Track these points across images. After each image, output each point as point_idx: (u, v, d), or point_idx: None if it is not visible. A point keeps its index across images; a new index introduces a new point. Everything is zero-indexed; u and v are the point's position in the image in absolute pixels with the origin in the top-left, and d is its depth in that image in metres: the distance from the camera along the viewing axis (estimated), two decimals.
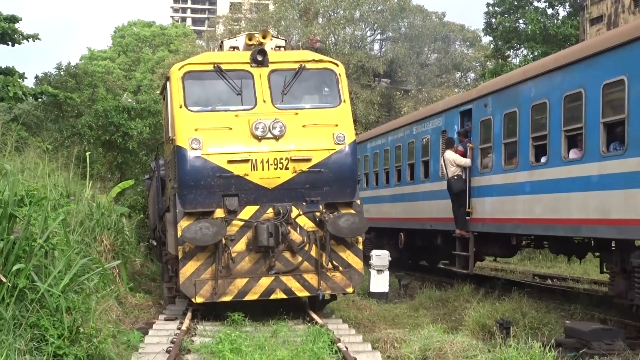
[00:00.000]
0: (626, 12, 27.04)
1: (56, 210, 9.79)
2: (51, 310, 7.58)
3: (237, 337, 8.80)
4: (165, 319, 11.26)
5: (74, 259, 8.81)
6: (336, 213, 11.05)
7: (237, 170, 10.80)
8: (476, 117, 15.09)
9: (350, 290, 11.24)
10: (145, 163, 23.92)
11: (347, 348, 8.73)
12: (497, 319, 10.38)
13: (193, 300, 10.75)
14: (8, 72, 21.78)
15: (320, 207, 11.08)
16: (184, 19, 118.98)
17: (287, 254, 10.93)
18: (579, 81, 11.42)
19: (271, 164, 10.86)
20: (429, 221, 17.49)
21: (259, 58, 11.37)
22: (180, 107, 11.12)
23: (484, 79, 30.06)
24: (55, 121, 24.73)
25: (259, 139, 10.89)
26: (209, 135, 10.85)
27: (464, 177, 15.05)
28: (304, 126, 11.11)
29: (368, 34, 43.60)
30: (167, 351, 8.66)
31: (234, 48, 12.02)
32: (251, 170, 10.82)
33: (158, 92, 22.48)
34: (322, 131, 11.15)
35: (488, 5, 35.68)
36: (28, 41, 21.75)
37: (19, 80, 21.33)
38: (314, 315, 10.86)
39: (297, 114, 11.21)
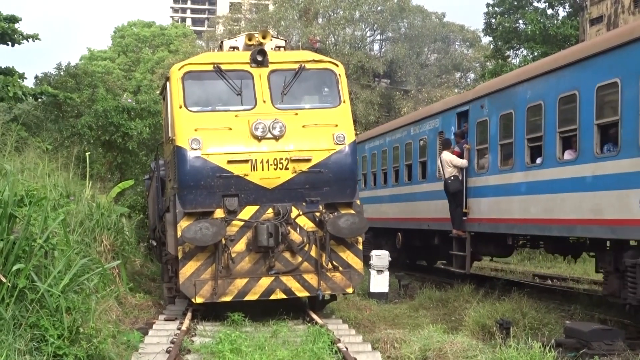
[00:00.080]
0: (626, 12, 27.04)
1: (56, 211, 9.79)
2: (51, 310, 7.58)
3: (237, 338, 8.80)
4: (165, 319, 11.26)
5: (74, 259, 8.81)
6: (336, 213, 11.05)
7: (237, 170, 10.80)
8: (473, 118, 15.22)
9: (350, 290, 11.24)
10: (145, 163, 23.92)
11: (347, 348, 8.74)
12: (497, 319, 10.39)
13: (193, 300, 10.75)
14: (8, 72, 21.79)
15: (320, 207, 11.08)
16: (183, 19, 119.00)
17: (287, 254, 10.93)
18: (574, 83, 11.57)
19: (271, 164, 10.87)
20: (426, 221, 17.61)
21: (259, 58, 11.38)
22: (180, 107, 11.12)
23: (484, 80, 30.07)
24: (55, 121, 24.72)
25: (258, 139, 10.89)
26: (209, 136, 10.85)
27: (460, 178, 15.19)
28: (303, 126, 11.11)
29: (368, 34, 43.62)
30: (167, 351, 8.66)
31: (233, 48, 12.02)
32: (251, 170, 10.83)
33: (158, 92, 22.48)
34: (322, 131, 11.15)
35: (488, 5, 35.71)
36: (28, 41, 21.79)
37: (18, 80, 21.34)
38: (314, 316, 10.85)
39: (297, 114, 11.21)
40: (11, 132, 15.76)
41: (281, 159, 10.89)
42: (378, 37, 44.28)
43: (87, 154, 18.55)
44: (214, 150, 10.82)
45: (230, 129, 10.97)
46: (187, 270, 10.70)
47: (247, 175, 10.82)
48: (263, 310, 11.12)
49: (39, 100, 23.81)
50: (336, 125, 11.24)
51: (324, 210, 11.07)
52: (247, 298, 10.82)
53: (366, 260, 13.26)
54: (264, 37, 11.77)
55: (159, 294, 13.94)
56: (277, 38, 12.55)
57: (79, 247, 10.54)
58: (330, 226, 10.78)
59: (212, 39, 45.86)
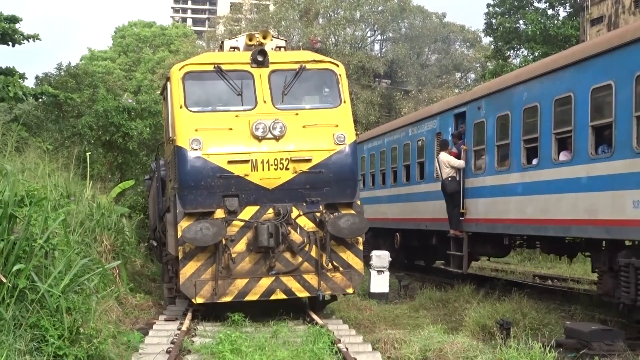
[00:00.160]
0: (626, 12, 27.02)
1: (56, 211, 9.79)
2: (51, 310, 7.59)
3: (237, 338, 8.81)
4: (166, 320, 11.26)
5: (74, 260, 8.81)
6: (336, 213, 11.05)
7: (238, 170, 10.81)
8: (470, 119, 15.37)
9: (350, 290, 11.24)
10: (146, 163, 23.92)
11: (347, 349, 8.74)
12: (498, 320, 10.39)
13: (193, 300, 10.75)
14: (8, 72, 21.79)
15: (321, 207, 11.09)
16: (184, 20, 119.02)
17: (288, 255, 10.93)
18: (569, 85, 11.72)
19: (271, 165, 10.87)
20: (424, 221, 17.73)
21: (260, 58, 11.38)
22: (181, 107, 11.13)
23: (484, 80, 30.06)
24: (56, 121, 24.71)
25: (259, 139, 10.89)
26: (209, 136, 10.85)
27: (458, 179, 15.34)
28: (304, 126, 11.12)
29: (368, 34, 43.62)
30: (168, 352, 8.67)
31: (234, 48, 12.03)
32: (251, 170, 10.83)
33: (158, 92, 22.47)
34: (322, 132, 11.15)
35: (488, 5, 35.70)
36: (28, 41, 21.80)
37: (19, 80, 21.34)
38: (314, 316, 10.85)
39: (297, 114, 11.21)
40: (12, 132, 15.75)
41: (281, 159, 10.90)
42: (378, 37, 44.34)
43: (88, 154, 18.54)
44: (215, 151, 10.82)
45: (231, 129, 10.97)
46: (187, 270, 10.70)
47: (247, 176, 10.83)
48: (263, 311, 11.12)
49: (40, 100, 23.79)
50: (337, 126, 11.24)
51: (324, 211, 11.07)
52: (247, 298, 10.82)
53: (366, 260, 13.27)
54: (264, 38, 11.77)
55: (159, 294, 13.95)
56: (278, 38, 12.55)
57: (80, 247, 10.54)
58: (330, 226, 10.78)
59: (212, 39, 45.86)
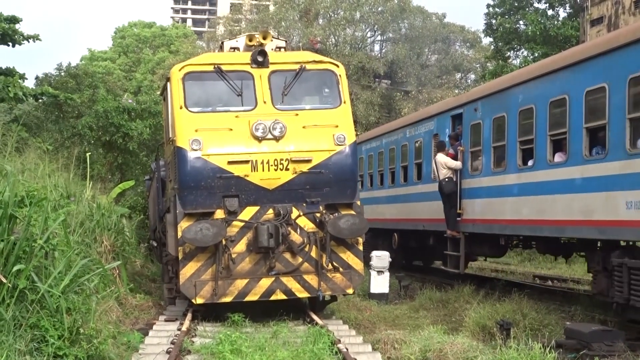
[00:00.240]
0: (626, 13, 27.02)
1: (56, 211, 9.79)
2: (51, 311, 7.59)
3: (237, 338, 8.81)
4: (166, 320, 11.26)
5: (74, 260, 8.82)
6: (336, 214, 11.05)
7: (238, 171, 10.81)
8: (467, 121, 15.48)
9: (350, 291, 11.24)
10: (146, 164, 23.93)
11: (347, 349, 8.75)
12: (498, 320, 10.40)
13: (193, 301, 10.75)
14: (8, 72, 21.79)
15: (321, 208, 11.09)
16: (184, 20, 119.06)
17: (288, 255, 10.93)
18: (564, 88, 11.82)
19: (271, 165, 10.87)
20: (421, 222, 17.83)
21: (260, 59, 11.38)
22: (181, 107, 11.13)
23: (484, 80, 30.05)
24: (56, 122, 24.71)
25: (259, 139, 10.89)
26: (209, 136, 10.86)
27: (454, 179, 15.43)
28: (304, 127, 11.12)
29: (368, 35, 43.60)
30: (168, 352, 8.67)
31: (234, 49, 12.03)
32: (251, 171, 10.83)
33: (158, 93, 22.47)
34: (322, 132, 11.16)
35: (488, 6, 35.69)
36: (28, 42, 21.82)
37: (19, 81, 21.35)
38: (314, 316, 10.86)
39: (297, 114, 11.22)
40: (12, 133, 15.75)
41: (281, 159, 10.90)
42: (378, 37, 44.31)
43: (88, 154, 18.54)
44: (215, 151, 10.82)
45: (231, 129, 10.97)
46: (187, 270, 10.71)
47: (247, 176, 10.83)
48: (263, 311, 11.12)
49: (40, 100, 23.80)
50: (336, 126, 11.24)
51: (324, 211, 11.07)
52: (247, 299, 10.82)
53: (366, 261, 13.27)
54: (264, 38, 11.77)
55: (159, 294, 13.95)
56: (278, 39, 12.55)
57: (80, 247, 10.54)
58: (330, 227, 10.79)
59: (212, 40, 45.84)
